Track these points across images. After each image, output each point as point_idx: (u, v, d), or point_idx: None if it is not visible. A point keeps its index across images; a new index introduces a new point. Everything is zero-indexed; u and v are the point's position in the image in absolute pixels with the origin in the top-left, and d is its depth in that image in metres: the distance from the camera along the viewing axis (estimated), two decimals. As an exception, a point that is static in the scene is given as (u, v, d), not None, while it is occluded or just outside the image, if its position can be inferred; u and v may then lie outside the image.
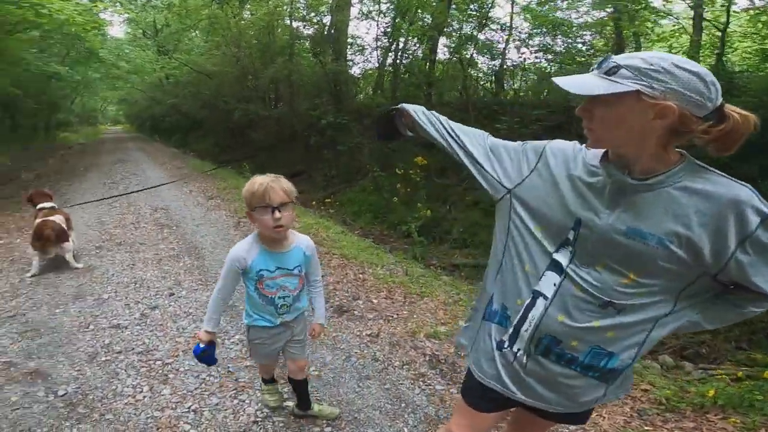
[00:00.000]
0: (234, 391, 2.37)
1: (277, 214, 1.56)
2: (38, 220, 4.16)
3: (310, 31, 10.14)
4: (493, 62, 8.81)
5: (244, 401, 2.30)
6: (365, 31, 16.21)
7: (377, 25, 8.84)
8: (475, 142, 1.24)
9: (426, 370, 2.66)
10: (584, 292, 1.01)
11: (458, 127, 1.28)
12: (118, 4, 18.35)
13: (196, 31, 14.53)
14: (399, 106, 1.37)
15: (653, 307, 1.00)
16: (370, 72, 10.28)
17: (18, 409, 2.18)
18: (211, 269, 4.19)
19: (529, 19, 6.17)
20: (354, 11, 9.78)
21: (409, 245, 6.07)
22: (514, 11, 7.21)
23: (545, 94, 8.41)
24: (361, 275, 4.24)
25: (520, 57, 8.61)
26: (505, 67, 8.83)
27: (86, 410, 2.18)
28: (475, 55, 7.89)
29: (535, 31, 7.30)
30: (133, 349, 2.75)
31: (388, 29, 8.65)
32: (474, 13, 7.32)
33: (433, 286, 3.96)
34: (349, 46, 9.89)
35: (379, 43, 9.05)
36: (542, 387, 1.10)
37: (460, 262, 5.69)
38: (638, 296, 0.99)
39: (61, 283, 3.82)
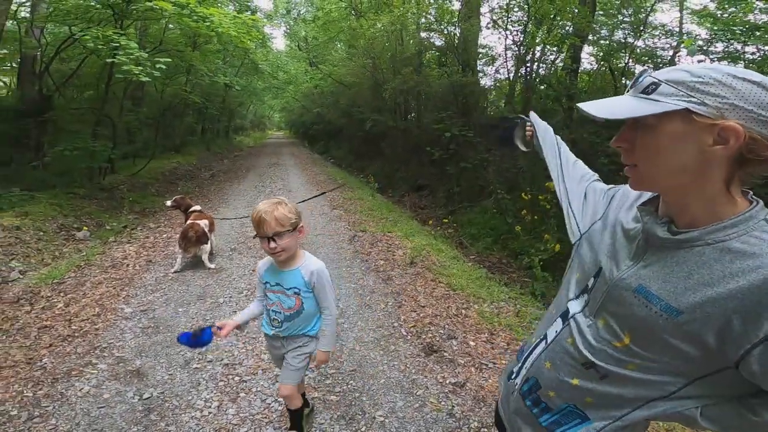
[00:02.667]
0: (293, 425, 2.33)
1: (272, 244, 1.68)
2: (187, 222, 4.86)
3: (439, 43, 10.00)
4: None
5: (297, 440, 2.23)
6: (497, 40, 15.81)
7: (508, 34, 8.25)
8: (577, 176, 1.19)
9: (506, 442, 2.27)
10: (573, 345, 0.92)
11: (571, 159, 1.25)
12: (278, 18, 20.83)
13: (341, 43, 15.67)
14: (527, 117, 1.34)
15: (646, 387, 0.82)
16: (500, 83, 9.68)
17: (103, 407, 2.46)
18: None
19: (706, 23, 4.99)
20: (484, 20, 9.36)
21: (529, 279, 5.48)
22: (684, 15, 5.97)
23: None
24: (463, 310, 3.92)
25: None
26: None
27: (157, 417, 2.38)
28: (631, 64, 6.78)
29: (717, 35, 5.93)
30: (222, 360, 2.94)
31: (521, 37, 8.01)
32: (628, 19, 6.29)
33: (546, 334, 3.45)
34: (479, 57, 9.48)
35: (509, 52, 8.45)
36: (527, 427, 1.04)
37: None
38: (629, 367, 0.82)
39: (193, 281, 4.37)
